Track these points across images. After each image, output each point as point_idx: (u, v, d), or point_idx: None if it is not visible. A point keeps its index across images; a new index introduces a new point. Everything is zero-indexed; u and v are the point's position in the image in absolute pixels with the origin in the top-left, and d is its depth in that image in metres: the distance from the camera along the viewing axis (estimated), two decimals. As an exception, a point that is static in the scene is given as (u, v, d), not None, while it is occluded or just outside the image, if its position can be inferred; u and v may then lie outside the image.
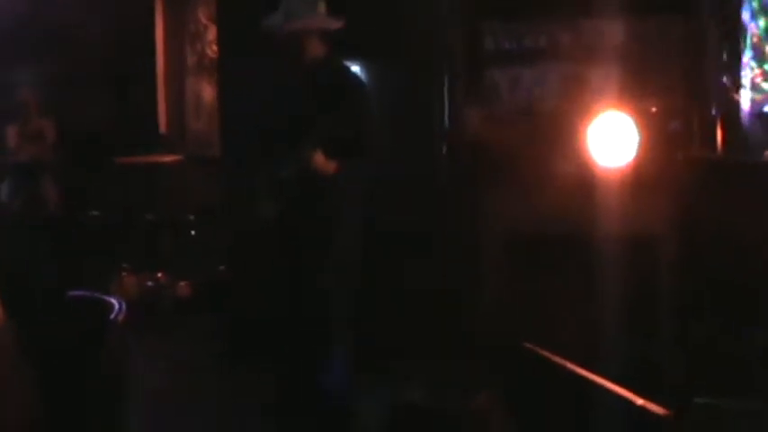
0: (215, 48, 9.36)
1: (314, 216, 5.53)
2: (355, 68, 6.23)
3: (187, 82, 10.17)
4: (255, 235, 6.44)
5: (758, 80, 6.74)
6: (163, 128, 10.14)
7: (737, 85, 6.80)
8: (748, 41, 6.83)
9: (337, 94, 5.46)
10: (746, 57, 6.85)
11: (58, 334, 4.23)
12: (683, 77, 7.06)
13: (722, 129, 6.71)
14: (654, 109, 6.76)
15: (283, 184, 5.52)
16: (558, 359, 4.67)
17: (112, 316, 4.29)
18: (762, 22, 6.76)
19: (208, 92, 9.91)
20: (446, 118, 7.37)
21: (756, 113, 6.64)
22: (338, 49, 5.65)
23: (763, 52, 6.76)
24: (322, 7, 5.57)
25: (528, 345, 4.94)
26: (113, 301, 4.43)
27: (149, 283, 8.43)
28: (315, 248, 5.56)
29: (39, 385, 3.78)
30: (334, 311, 5.57)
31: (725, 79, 6.80)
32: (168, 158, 9.28)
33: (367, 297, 5.73)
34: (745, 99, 6.79)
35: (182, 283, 8.58)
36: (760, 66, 6.75)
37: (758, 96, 6.70)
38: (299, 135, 5.38)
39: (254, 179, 5.76)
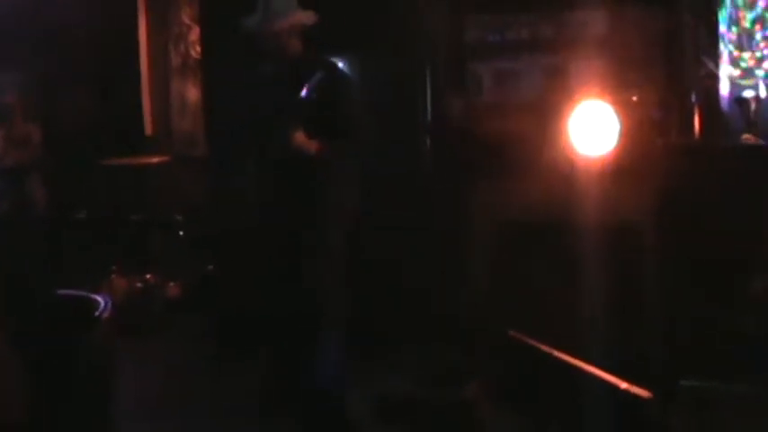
0: (198, 48, 9.39)
1: (301, 199, 5.57)
2: (339, 63, 6.28)
3: (172, 83, 10.17)
4: (243, 232, 6.48)
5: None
6: (149, 129, 10.14)
7: (716, 72, 6.84)
8: (726, 27, 6.88)
9: (319, 86, 5.53)
10: (724, 45, 6.89)
11: (45, 331, 4.26)
12: (662, 66, 7.10)
13: (701, 115, 6.75)
14: (635, 98, 6.80)
15: (266, 174, 5.59)
16: (543, 346, 4.71)
17: (98, 313, 4.31)
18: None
19: (192, 92, 9.92)
20: (429, 110, 7.40)
21: (735, 99, 6.68)
22: (322, 41, 5.70)
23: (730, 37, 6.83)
24: (296, 4, 5.64)
25: (514, 333, 4.98)
26: (99, 298, 4.45)
27: (138, 284, 8.43)
28: (302, 236, 5.61)
29: (26, 382, 3.81)
30: (323, 303, 5.61)
31: (703, 66, 6.84)
32: (155, 159, 9.27)
33: (354, 287, 5.76)
34: (724, 85, 6.83)
35: (171, 284, 8.59)
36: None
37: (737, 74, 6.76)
38: (274, 122, 5.47)
39: (238, 177, 5.81)
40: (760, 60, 6.79)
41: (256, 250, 6.15)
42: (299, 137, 5.39)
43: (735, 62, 6.84)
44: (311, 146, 5.43)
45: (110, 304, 4.40)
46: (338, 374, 5.66)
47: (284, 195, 5.61)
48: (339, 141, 5.51)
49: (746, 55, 6.80)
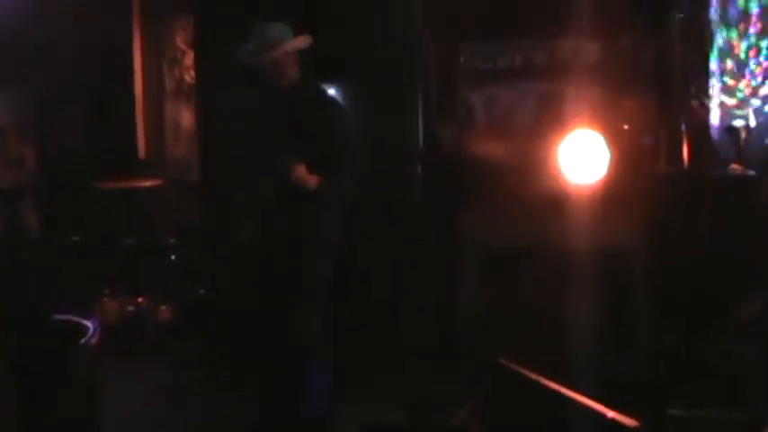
0: (192, 73, 9.43)
1: (292, 231, 5.60)
2: (330, 89, 6.32)
3: (166, 107, 10.19)
4: (235, 258, 6.49)
5: (720, 95, 6.83)
6: (142, 152, 10.16)
7: (706, 101, 6.88)
8: (716, 55, 6.93)
9: (315, 114, 5.57)
10: (713, 76, 6.94)
11: (34, 355, 4.27)
12: (653, 95, 7.13)
13: (690, 143, 6.78)
14: (625, 127, 6.83)
15: (261, 201, 5.61)
16: (531, 374, 4.73)
17: (85, 339, 4.33)
18: (724, 34, 6.84)
19: (186, 117, 9.95)
20: (421, 136, 7.43)
21: (725, 128, 6.72)
22: (314, 68, 5.74)
23: (725, 67, 6.86)
24: (289, 30, 5.67)
25: (503, 360, 4.99)
26: (88, 324, 4.46)
27: (130, 308, 8.43)
28: (291, 267, 5.63)
29: (15, 402, 3.83)
30: (310, 333, 5.63)
31: (694, 95, 6.87)
32: (148, 183, 9.28)
33: (345, 314, 5.78)
34: (715, 114, 6.87)
35: (163, 308, 8.59)
36: (720, 80, 6.84)
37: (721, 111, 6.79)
38: (273, 151, 5.49)
39: (233, 202, 5.83)
40: (756, 89, 6.83)
41: (246, 276, 6.17)
42: (299, 168, 5.43)
43: (731, 92, 6.88)
44: (309, 177, 5.46)
45: (98, 330, 4.41)
46: (325, 403, 5.68)
47: (276, 223, 5.63)
48: (333, 174, 5.54)
49: (742, 84, 6.84)
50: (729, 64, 6.88)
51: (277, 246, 5.67)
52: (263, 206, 5.68)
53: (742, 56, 6.86)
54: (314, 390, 5.63)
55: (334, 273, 5.72)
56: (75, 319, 4.59)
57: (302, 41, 5.68)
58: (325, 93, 5.90)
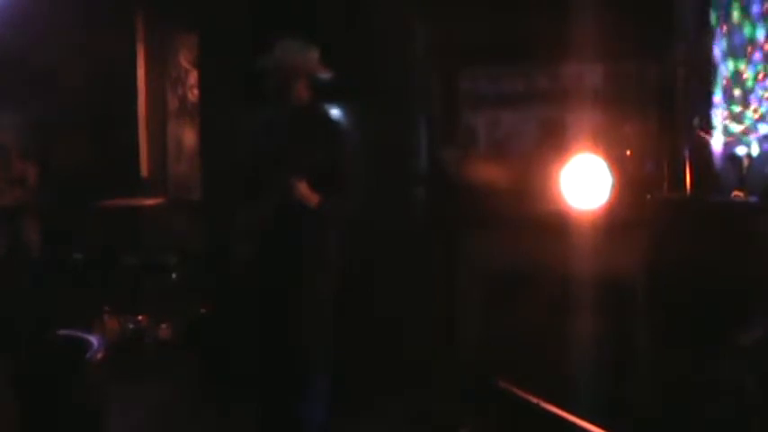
0: (196, 92, 9.45)
1: (292, 248, 5.61)
2: (335, 112, 6.34)
3: (168, 126, 10.21)
4: (235, 277, 6.50)
5: (726, 122, 6.84)
6: (144, 171, 10.17)
7: (709, 128, 6.90)
8: (719, 84, 6.94)
9: (319, 135, 5.60)
10: (717, 98, 6.95)
11: (38, 370, 4.28)
12: (656, 121, 7.16)
13: (692, 170, 6.80)
14: (628, 152, 6.86)
15: (262, 222, 5.62)
16: (531, 397, 4.74)
17: (90, 354, 4.34)
18: (731, 65, 6.86)
19: (189, 136, 9.96)
20: (423, 161, 7.45)
21: (727, 155, 6.74)
22: (319, 91, 5.76)
23: (732, 95, 6.87)
24: (315, 54, 5.69)
25: (503, 383, 5.01)
26: (93, 339, 4.48)
27: (131, 326, 8.45)
28: (291, 285, 5.64)
29: (20, 419, 3.83)
30: (309, 352, 5.64)
31: (696, 122, 6.89)
32: (150, 201, 9.30)
33: (345, 334, 5.79)
34: (717, 141, 6.89)
35: (163, 326, 8.60)
36: (728, 108, 6.85)
37: (728, 138, 6.80)
38: (276, 169, 5.51)
39: (234, 221, 5.84)
40: (763, 116, 6.84)
41: (246, 296, 6.17)
42: (303, 186, 5.45)
43: (737, 119, 6.89)
44: (311, 195, 5.49)
45: (102, 344, 4.42)
46: (324, 420, 5.68)
47: (276, 240, 5.64)
48: (335, 193, 5.56)
49: (749, 111, 6.86)
50: (737, 92, 6.90)
51: (277, 262, 5.68)
52: (265, 222, 5.69)
53: (749, 83, 6.87)
54: (313, 406, 5.63)
55: (335, 291, 5.73)
56: (80, 334, 4.61)
57: (320, 69, 5.71)
58: (329, 113, 5.92)
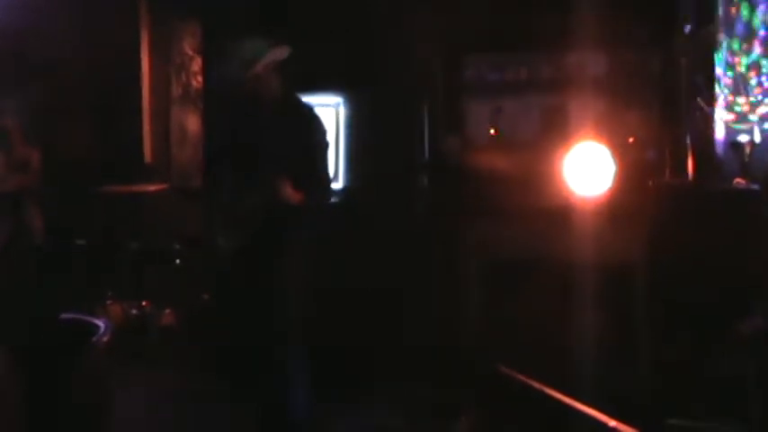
0: (200, 79, 9.46)
1: (274, 246, 5.63)
2: (337, 101, 6.33)
3: (172, 112, 10.21)
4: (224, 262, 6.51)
5: (730, 99, 6.86)
6: (148, 158, 10.16)
7: (711, 114, 6.91)
8: (723, 70, 6.96)
9: (297, 126, 5.60)
10: (719, 88, 6.97)
11: (44, 353, 4.30)
12: (658, 108, 7.17)
13: (695, 157, 6.82)
14: (630, 140, 6.87)
15: (246, 214, 5.63)
16: (533, 383, 4.76)
17: (96, 337, 4.35)
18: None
19: (192, 122, 9.97)
20: (426, 148, 7.46)
21: (730, 142, 6.75)
22: (321, 79, 5.76)
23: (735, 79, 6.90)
24: (266, 44, 5.68)
25: (505, 369, 5.03)
26: (99, 322, 4.49)
27: (134, 312, 8.46)
28: (274, 277, 5.65)
29: (24, 403, 3.85)
30: (294, 339, 5.66)
31: (698, 108, 6.91)
32: (153, 188, 9.29)
33: (343, 321, 5.80)
34: (719, 129, 6.90)
35: (166, 311, 8.61)
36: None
37: (732, 115, 6.83)
38: (259, 167, 5.51)
39: (215, 210, 5.86)
40: (754, 105, 6.85)
41: (233, 282, 6.18)
42: (285, 184, 5.45)
43: (729, 106, 6.91)
44: (294, 193, 5.49)
45: (109, 328, 4.44)
46: (307, 407, 5.68)
47: (260, 234, 5.65)
48: (313, 190, 5.58)
49: (741, 100, 6.87)
50: (729, 78, 6.91)
51: (260, 257, 5.68)
52: (248, 220, 5.68)
53: (743, 71, 6.89)
54: (295, 392, 5.64)
55: (310, 280, 5.73)
56: (86, 318, 4.62)
57: (280, 53, 5.67)
58: (301, 104, 5.87)
